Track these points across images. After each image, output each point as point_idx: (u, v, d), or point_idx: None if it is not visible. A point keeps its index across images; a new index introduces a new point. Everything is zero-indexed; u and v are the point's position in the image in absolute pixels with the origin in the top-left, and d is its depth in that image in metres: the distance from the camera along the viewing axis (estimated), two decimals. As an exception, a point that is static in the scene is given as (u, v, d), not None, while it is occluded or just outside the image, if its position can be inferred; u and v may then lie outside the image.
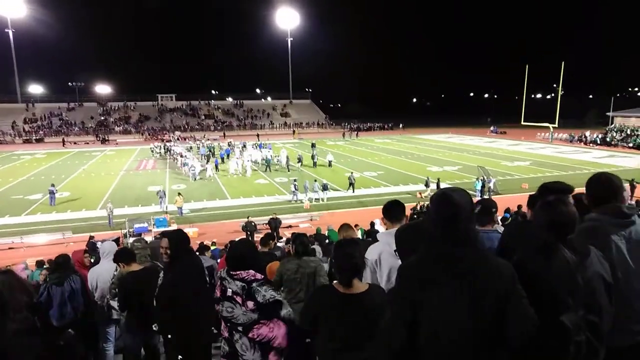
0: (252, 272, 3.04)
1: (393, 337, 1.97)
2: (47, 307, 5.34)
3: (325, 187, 23.62)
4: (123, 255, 4.81)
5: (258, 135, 59.46)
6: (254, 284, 2.99)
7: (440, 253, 1.92)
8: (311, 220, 19.95)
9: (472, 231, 1.95)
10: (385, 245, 3.21)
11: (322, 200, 23.36)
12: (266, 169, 32.75)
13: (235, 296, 2.99)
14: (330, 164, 34.55)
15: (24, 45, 78.67)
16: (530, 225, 2.37)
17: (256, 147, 41.44)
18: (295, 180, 24.14)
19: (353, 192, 25.14)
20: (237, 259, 3.10)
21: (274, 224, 17.60)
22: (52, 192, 23.22)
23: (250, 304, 2.94)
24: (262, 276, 3.09)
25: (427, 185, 24.31)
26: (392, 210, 3.47)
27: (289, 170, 32.31)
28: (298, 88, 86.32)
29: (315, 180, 24.50)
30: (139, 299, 4.31)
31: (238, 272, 3.03)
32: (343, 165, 34.95)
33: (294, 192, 23.44)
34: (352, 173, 27.15)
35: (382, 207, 3.59)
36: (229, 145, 44.11)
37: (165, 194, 21.33)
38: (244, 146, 41.42)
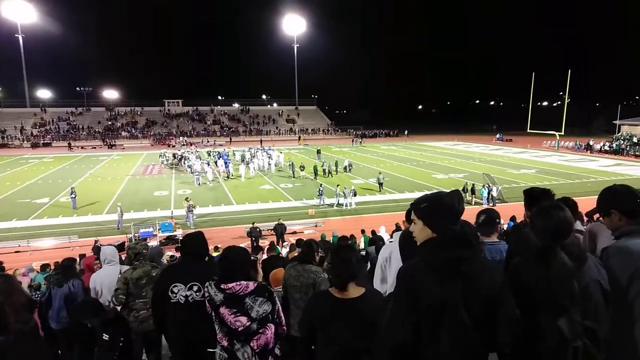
0: (244, 283, 2.95)
1: (396, 334, 1.98)
2: (47, 308, 5.39)
3: (354, 194, 24.12)
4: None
5: (261, 141, 59.55)
6: (247, 299, 2.92)
7: (438, 254, 1.95)
8: (316, 226, 19.97)
9: (471, 231, 1.99)
10: (397, 245, 3.26)
11: (350, 205, 23.53)
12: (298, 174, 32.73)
13: (227, 310, 2.93)
14: (347, 169, 35.20)
15: (34, 51, 79.60)
16: (528, 232, 2.37)
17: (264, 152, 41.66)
18: (321, 186, 24.60)
19: (380, 190, 26.94)
20: (228, 270, 3.00)
21: (280, 229, 17.64)
22: (72, 196, 23.76)
23: (243, 319, 2.90)
24: (255, 283, 3.00)
25: (465, 190, 23.98)
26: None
27: (294, 177, 32.38)
28: (304, 94, 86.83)
29: (338, 185, 24.55)
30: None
31: (230, 286, 2.93)
32: (349, 171, 34.99)
33: (320, 196, 23.95)
34: (380, 173, 28.28)
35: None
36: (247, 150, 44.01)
37: (193, 207, 20.78)
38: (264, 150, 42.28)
